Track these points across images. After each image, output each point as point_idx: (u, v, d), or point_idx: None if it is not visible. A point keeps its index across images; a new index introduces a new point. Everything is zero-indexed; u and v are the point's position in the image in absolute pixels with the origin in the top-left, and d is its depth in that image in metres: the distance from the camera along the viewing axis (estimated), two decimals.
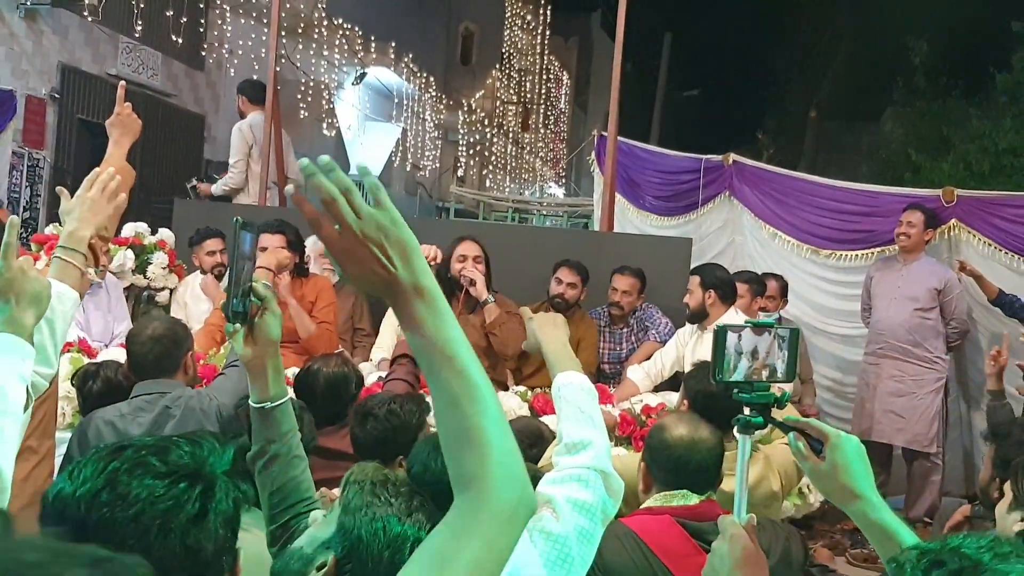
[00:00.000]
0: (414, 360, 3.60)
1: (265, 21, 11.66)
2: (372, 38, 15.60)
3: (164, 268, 5.56)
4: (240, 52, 12.28)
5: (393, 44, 16.16)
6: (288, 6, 11.48)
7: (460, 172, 20.93)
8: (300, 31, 13.38)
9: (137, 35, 10.30)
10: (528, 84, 25.01)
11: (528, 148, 25.55)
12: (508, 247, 5.41)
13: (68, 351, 4.01)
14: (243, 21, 12.41)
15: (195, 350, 3.40)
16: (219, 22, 12.05)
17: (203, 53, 12.23)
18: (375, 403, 2.92)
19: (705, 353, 4.30)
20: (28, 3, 9.18)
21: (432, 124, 19.04)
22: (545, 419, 3.87)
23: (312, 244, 5.23)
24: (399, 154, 18.02)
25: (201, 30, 11.95)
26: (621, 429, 3.98)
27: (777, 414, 1.80)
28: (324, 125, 15.09)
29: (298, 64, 13.82)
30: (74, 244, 2.20)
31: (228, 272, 1.85)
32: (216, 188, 7.03)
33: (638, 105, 22.91)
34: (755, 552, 1.66)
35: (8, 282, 1.78)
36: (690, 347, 4.88)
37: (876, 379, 5.88)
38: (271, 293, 1.87)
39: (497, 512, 1.13)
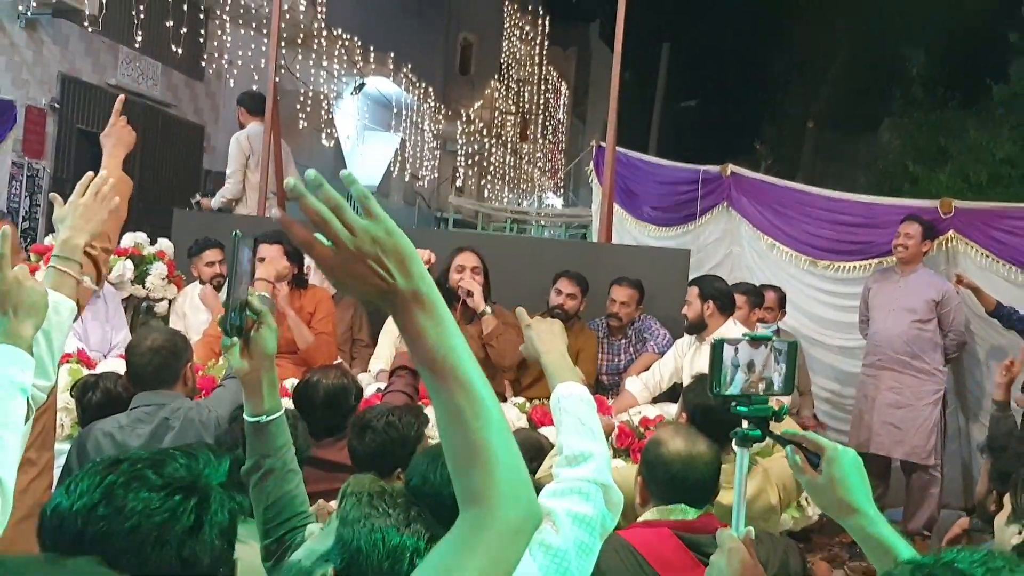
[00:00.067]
0: (413, 371, 3.60)
1: (265, 32, 11.71)
2: (371, 48, 15.65)
3: (163, 279, 5.56)
4: (240, 62, 12.31)
5: (392, 54, 16.20)
6: (288, 17, 11.51)
7: (459, 182, 20.97)
8: (299, 41, 13.42)
9: (137, 45, 10.33)
10: (526, 94, 25.09)
11: (526, 158, 25.60)
12: (507, 258, 5.41)
13: (67, 362, 4.01)
14: (243, 32, 12.45)
15: (194, 361, 3.40)
16: (219, 32, 12.09)
17: (203, 63, 12.25)
18: (373, 415, 2.91)
19: (703, 365, 4.29)
20: (29, 13, 9.19)
21: (431, 134, 19.08)
22: (544, 431, 3.87)
23: None
24: (398, 164, 18.05)
25: (201, 40, 11.98)
26: (619, 441, 3.99)
27: (775, 427, 1.81)
28: (323, 135, 15.12)
29: (297, 74, 13.85)
30: (68, 252, 2.18)
31: (227, 286, 1.85)
32: (215, 201, 7.05)
33: (636, 115, 22.93)
34: (753, 565, 1.66)
35: (4, 293, 1.77)
36: (688, 358, 4.88)
37: (874, 391, 5.87)
38: (267, 306, 1.87)
39: (503, 528, 1.13)
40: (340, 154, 16.50)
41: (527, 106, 25.23)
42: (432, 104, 18.63)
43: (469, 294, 4.71)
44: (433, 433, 2.91)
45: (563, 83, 28.36)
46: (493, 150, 22.65)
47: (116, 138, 2.86)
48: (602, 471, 1.83)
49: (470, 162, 21.46)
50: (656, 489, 2.54)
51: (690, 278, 5.34)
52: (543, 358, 2.12)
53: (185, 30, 10.59)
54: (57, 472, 2.89)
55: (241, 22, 12.30)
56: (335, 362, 4.59)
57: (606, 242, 6.18)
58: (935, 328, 5.81)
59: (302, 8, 13.28)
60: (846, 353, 6.54)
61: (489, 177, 22.81)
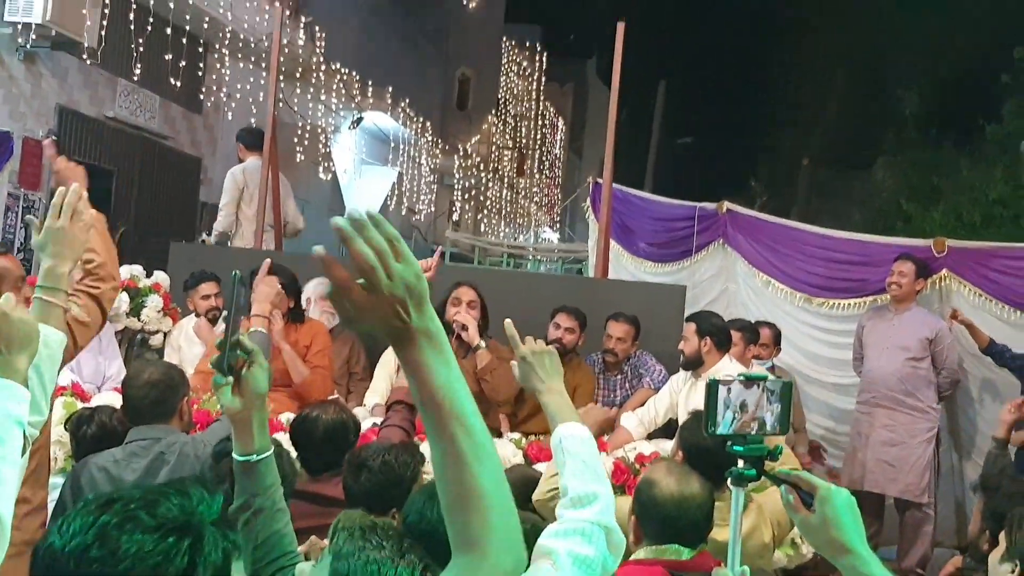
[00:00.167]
0: (410, 406, 3.59)
1: (263, 65, 11.78)
2: (369, 83, 15.75)
3: (159, 311, 5.55)
4: (238, 96, 12.38)
5: (390, 89, 16.30)
6: (287, 51, 11.60)
7: (455, 216, 21.04)
8: (298, 75, 13.50)
9: (136, 78, 10.38)
10: (523, 129, 25.25)
11: (523, 193, 25.69)
12: (503, 293, 5.42)
13: (61, 395, 4.00)
14: (241, 65, 12.52)
15: (190, 395, 3.39)
16: (217, 66, 12.16)
17: (201, 96, 12.31)
18: (369, 454, 2.89)
19: (699, 401, 4.28)
20: (28, 46, 9.23)
21: (428, 168, 19.16)
22: (539, 467, 3.86)
23: (313, 288, 5.24)
24: (395, 198, 18.11)
25: (200, 74, 12.05)
26: (615, 478, 3.97)
27: (773, 464, 1.81)
28: (320, 168, 15.18)
29: (295, 108, 13.93)
30: (53, 282, 2.14)
31: (225, 324, 1.85)
32: (212, 237, 7.09)
33: (632, 151, 23.06)
34: None
35: None
36: (684, 394, 4.88)
37: (868, 428, 5.88)
38: (263, 342, 1.88)
39: (495, 574, 1.14)
40: (337, 187, 16.55)
41: (524, 141, 25.37)
42: (429, 138, 18.72)
43: (464, 328, 4.71)
44: (429, 469, 2.90)
45: (560, 119, 28.54)
46: (490, 185, 22.75)
47: (66, 177, 2.82)
48: (605, 513, 1.83)
49: (467, 196, 21.55)
50: (649, 529, 2.53)
51: (686, 314, 5.36)
52: (542, 397, 2.12)
53: (184, 63, 10.64)
54: (51, 506, 2.88)
55: (240, 56, 12.38)
56: (331, 397, 4.58)
57: (602, 277, 6.20)
58: (929, 366, 5.83)
59: (301, 43, 13.37)
60: (840, 390, 6.55)
61: (486, 211, 22.90)
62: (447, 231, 18.39)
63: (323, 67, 14.12)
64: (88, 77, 10.36)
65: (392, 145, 17.57)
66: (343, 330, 5.36)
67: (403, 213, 18.92)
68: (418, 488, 2.58)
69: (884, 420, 5.82)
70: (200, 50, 11.94)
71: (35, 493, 2.61)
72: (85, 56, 9.68)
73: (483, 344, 4.72)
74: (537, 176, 26.82)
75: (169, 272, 5.89)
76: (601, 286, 6.07)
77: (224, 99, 12.43)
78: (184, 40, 10.75)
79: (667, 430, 4.85)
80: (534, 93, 25.79)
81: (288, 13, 12.16)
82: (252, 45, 11.99)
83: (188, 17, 10.50)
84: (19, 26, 8.93)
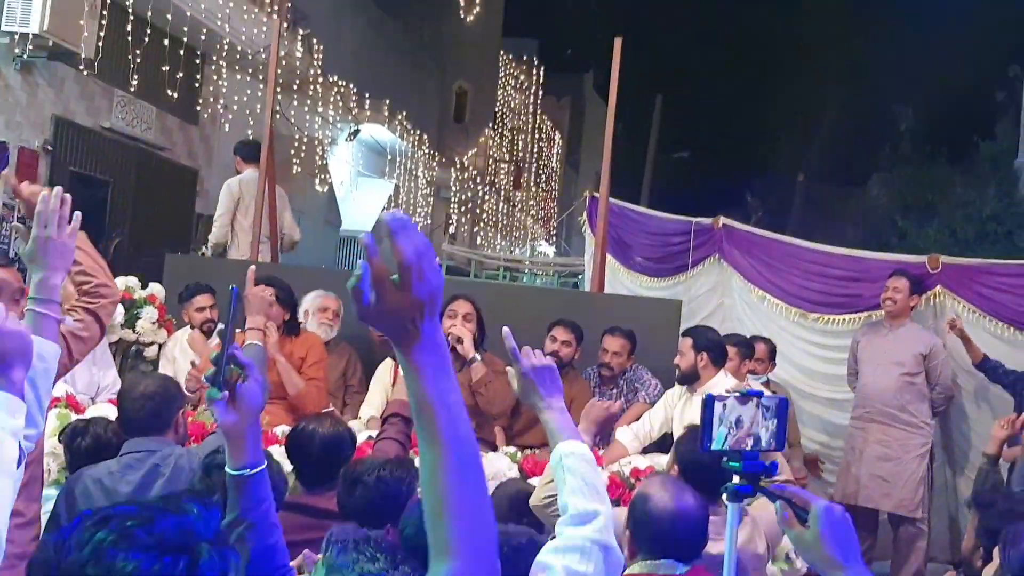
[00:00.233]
0: (406, 419, 3.58)
1: (261, 77, 11.80)
2: (367, 95, 15.77)
3: (154, 323, 5.55)
4: (235, 107, 12.39)
5: (387, 101, 16.33)
6: (284, 63, 11.62)
7: (452, 229, 21.04)
8: (295, 87, 13.52)
9: (132, 89, 10.38)
10: (520, 143, 25.31)
11: (519, 206, 25.73)
12: (499, 306, 5.42)
13: (55, 406, 3.98)
14: (238, 76, 12.54)
15: (186, 408, 3.38)
16: (214, 77, 12.16)
17: (198, 108, 12.32)
18: (364, 469, 2.87)
19: (693, 415, 4.30)
20: (24, 56, 9.24)
21: (424, 181, 19.18)
22: (534, 481, 3.86)
23: (311, 301, 5.24)
24: (391, 211, 18.08)
25: (197, 85, 12.06)
26: (611, 492, 3.97)
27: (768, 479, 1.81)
28: (317, 180, 15.19)
29: (292, 120, 13.94)
30: (47, 294, 2.12)
31: (222, 339, 1.85)
32: (208, 249, 7.11)
33: (629, 165, 23.10)
34: None
35: None
36: (679, 409, 4.89)
37: (863, 443, 5.88)
38: (258, 355, 1.87)
39: None
40: (333, 200, 16.56)
41: (521, 154, 25.43)
42: (426, 151, 18.75)
43: (459, 341, 4.72)
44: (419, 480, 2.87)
45: (557, 132, 28.61)
46: (486, 198, 22.78)
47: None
48: (604, 531, 1.84)
49: (463, 209, 21.57)
50: (644, 544, 2.53)
51: (681, 329, 5.36)
52: (543, 414, 2.12)
53: (181, 74, 10.65)
54: (44, 518, 2.87)
55: (237, 67, 12.40)
56: (326, 409, 4.57)
57: (598, 292, 6.21)
58: (923, 382, 5.84)
59: (299, 55, 13.39)
60: (835, 405, 6.55)
61: (482, 224, 22.92)
62: (443, 244, 18.39)
63: (320, 79, 14.14)
64: (85, 87, 10.36)
65: (389, 157, 17.60)
66: (340, 343, 5.37)
67: None
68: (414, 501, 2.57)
69: (878, 435, 5.83)
70: (197, 61, 11.95)
71: (27, 506, 2.59)
72: (82, 66, 9.69)
73: (478, 357, 4.72)
74: (533, 189, 26.88)
75: (165, 284, 5.89)
76: (597, 300, 6.08)
77: (221, 111, 12.44)
78: (181, 51, 10.75)
79: (662, 445, 4.85)
80: (531, 107, 25.87)
81: (286, 25, 12.20)
82: (249, 57, 12.00)
83: (186, 28, 10.52)
84: (16, 36, 8.93)
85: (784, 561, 3.89)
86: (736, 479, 1.79)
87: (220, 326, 5.00)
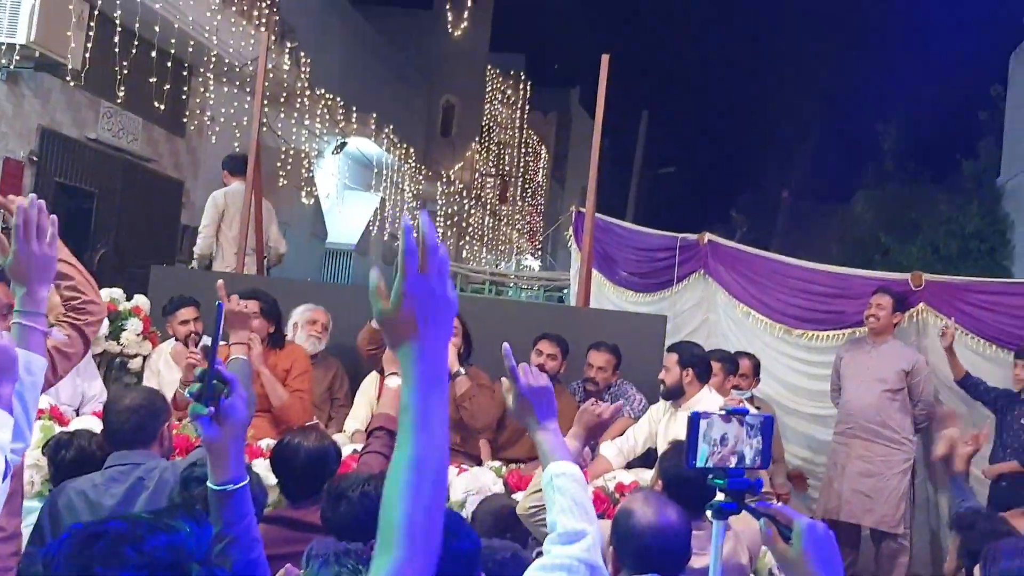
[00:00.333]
0: (390, 432, 3.57)
1: (248, 90, 11.79)
2: (354, 108, 15.79)
3: (138, 335, 5.53)
4: (222, 119, 12.38)
5: (374, 115, 16.35)
6: (271, 75, 11.62)
7: None
8: (282, 100, 13.52)
9: (119, 100, 10.36)
10: (507, 157, 25.36)
11: (505, 220, 25.76)
12: (485, 320, 5.43)
13: (39, 419, 3.96)
14: (225, 89, 12.53)
15: (171, 421, 3.37)
16: (201, 89, 12.16)
17: (184, 120, 12.30)
18: (348, 484, 2.86)
19: (678, 431, 4.31)
20: (11, 66, 9.21)
21: (411, 194, 19.19)
22: (518, 496, 3.85)
23: (300, 314, 5.25)
24: (377, 223, 18.11)
25: (184, 97, 12.05)
26: (595, 507, 3.97)
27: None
28: (303, 193, 15.18)
29: (279, 132, 13.94)
30: (32, 307, 2.11)
31: (205, 356, 1.84)
32: (195, 261, 7.10)
33: (615, 180, 23.21)
34: None
35: None
36: (663, 424, 4.89)
37: (845, 459, 5.91)
38: (244, 370, 1.87)
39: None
40: (320, 212, 16.55)
41: (507, 169, 25.49)
42: (413, 164, 18.77)
43: None
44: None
45: (543, 147, 28.68)
46: (472, 211, 22.81)
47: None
48: (592, 550, 1.85)
49: (449, 223, 21.58)
50: (627, 559, 2.54)
51: (666, 344, 5.38)
52: (536, 434, 2.14)
53: (168, 86, 10.63)
54: (26, 531, 2.85)
55: (224, 80, 12.39)
56: (310, 423, 4.57)
57: (584, 306, 6.22)
58: (905, 398, 5.88)
59: (286, 67, 13.40)
60: (818, 421, 6.58)
61: (468, 238, 22.94)
62: None
63: (307, 92, 14.16)
64: (71, 99, 10.33)
65: (375, 171, 17.61)
66: (327, 356, 5.37)
67: (385, 239, 18.92)
68: None
69: (860, 451, 5.86)
70: (184, 73, 11.94)
71: (8, 520, 2.57)
72: (68, 78, 9.66)
73: (463, 371, 4.72)
74: (520, 204, 26.92)
75: (150, 296, 5.87)
76: (582, 315, 6.10)
77: (207, 123, 12.43)
78: (168, 63, 10.74)
79: (646, 460, 4.86)
80: (518, 121, 25.95)
81: (273, 38, 12.21)
82: (237, 69, 12.00)
83: (173, 40, 10.50)
84: (3, 46, 8.91)
85: None
86: (721, 496, 1.80)
87: (205, 340, 4.98)
